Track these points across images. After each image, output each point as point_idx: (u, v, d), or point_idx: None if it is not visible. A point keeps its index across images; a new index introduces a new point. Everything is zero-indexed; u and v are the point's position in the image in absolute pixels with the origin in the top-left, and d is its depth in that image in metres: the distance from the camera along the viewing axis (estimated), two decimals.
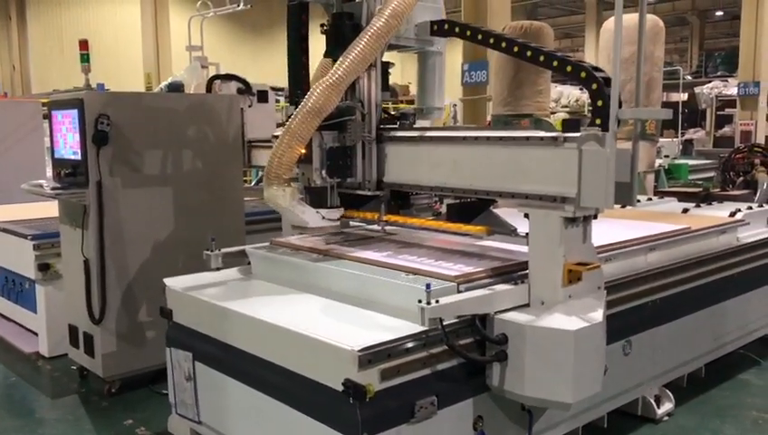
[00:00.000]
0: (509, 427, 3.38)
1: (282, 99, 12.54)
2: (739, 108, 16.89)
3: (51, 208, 5.57)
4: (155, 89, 11.81)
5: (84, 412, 4.62)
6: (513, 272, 3.42)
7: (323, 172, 3.80)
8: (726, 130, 18.70)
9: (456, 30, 3.96)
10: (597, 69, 3.24)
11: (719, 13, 30.12)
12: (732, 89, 16.92)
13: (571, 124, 3.14)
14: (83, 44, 5.43)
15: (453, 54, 5.91)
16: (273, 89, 7.12)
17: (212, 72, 7.61)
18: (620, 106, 3.14)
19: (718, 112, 20.17)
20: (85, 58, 5.49)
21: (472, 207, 3.80)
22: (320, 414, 2.91)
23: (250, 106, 6.49)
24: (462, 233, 3.73)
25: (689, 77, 20.36)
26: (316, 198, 3.86)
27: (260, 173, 9.88)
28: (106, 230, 4.57)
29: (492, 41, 3.73)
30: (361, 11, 3.92)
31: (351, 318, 3.20)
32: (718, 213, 5.30)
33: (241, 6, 9.96)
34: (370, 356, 2.73)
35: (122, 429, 4.36)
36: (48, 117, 4.94)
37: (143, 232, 4.78)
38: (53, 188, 4.68)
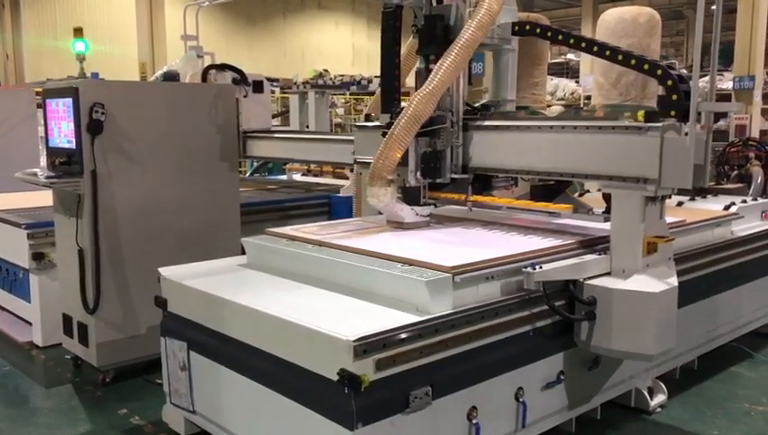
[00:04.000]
0: (503, 418, 3.40)
1: (277, 89, 12.47)
2: (734, 101, 16.88)
3: (45, 197, 5.55)
4: (149, 78, 11.73)
5: (78, 402, 4.62)
6: (594, 245, 3.88)
7: (418, 174, 4.25)
8: (721, 123, 18.72)
9: (538, 31, 4.32)
10: (671, 67, 3.68)
11: (714, 7, 30.07)
12: (727, 83, 16.90)
13: (651, 115, 3.53)
14: (78, 32, 5.40)
15: None
16: (269, 79, 7.10)
17: (207, 61, 7.57)
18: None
19: None
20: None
21: (552, 190, 4.44)
22: (314, 404, 2.92)
23: (245, 96, 6.50)
24: (548, 211, 4.17)
25: (685, 71, 20.40)
26: (410, 196, 4.31)
27: (255, 164, 9.87)
28: (100, 219, 4.56)
29: (572, 41, 4.18)
30: (451, 13, 4.32)
31: (346, 308, 3.21)
32: (713, 206, 5.31)
33: None
34: (366, 346, 2.74)
35: (116, 418, 4.35)
36: (42, 106, 4.91)
37: (138, 221, 4.77)
38: (48, 177, 4.66)
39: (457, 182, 4.51)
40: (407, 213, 4.25)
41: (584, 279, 3.65)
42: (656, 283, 3.60)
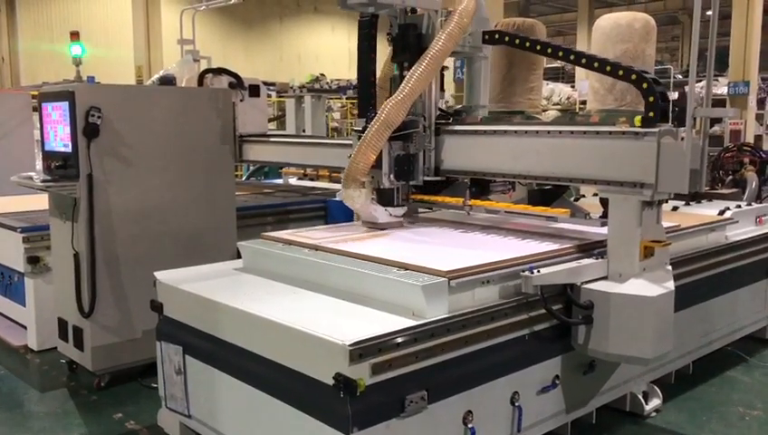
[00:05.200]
0: (499, 422, 3.41)
1: (273, 94, 12.48)
2: (729, 107, 16.93)
3: (41, 201, 5.55)
4: (146, 82, 11.73)
5: (73, 406, 4.60)
6: (591, 249, 3.90)
7: (391, 176, 4.38)
8: (716, 129, 18.80)
9: (506, 39, 4.50)
10: (645, 72, 3.74)
11: (710, 12, 30.21)
12: (722, 88, 16.97)
13: (648, 121, 3.57)
14: (74, 36, 5.39)
15: None
16: (265, 83, 7.10)
17: (203, 65, 7.57)
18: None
19: None
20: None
21: (550, 194, 4.53)
22: (310, 408, 2.92)
23: (242, 100, 6.49)
24: (545, 215, 4.27)
25: (680, 76, 20.45)
26: (385, 197, 4.45)
27: (251, 168, 9.87)
28: (96, 223, 4.56)
29: (538, 47, 4.31)
30: (423, 22, 4.49)
31: (342, 312, 3.21)
32: (707, 211, 5.32)
33: (233, 0, 9.90)
34: (361, 350, 2.74)
35: (112, 422, 4.35)
36: (38, 109, 4.90)
37: (134, 225, 4.76)
38: (44, 181, 4.66)
39: (456, 186, 4.67)
40: (380, 214, 4.38)
41: (581, 283, 3.67)
42: (652, 287, 3.62)
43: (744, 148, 9.43)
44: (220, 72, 6.57)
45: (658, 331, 3.60)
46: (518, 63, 5.25)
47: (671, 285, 3.71)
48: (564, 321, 3.63)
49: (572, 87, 20.53)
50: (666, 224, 4.59)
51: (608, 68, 3.86)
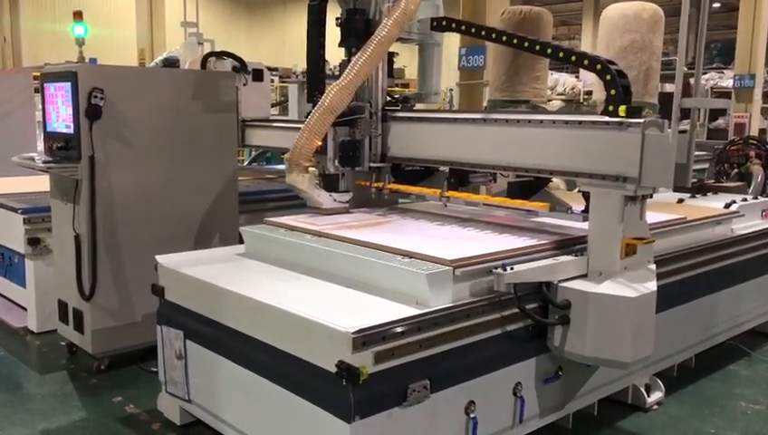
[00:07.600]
0: (501, 413, 3.39)
1: (276, 79, 12.41)
2: (734, 100, 16.86)
3: (42, 182, 5.51)
4: (148, 64, 11.66)
5: (73, 389, 4.59)
6: (571, 245, 3.71)
7: (336, 162, 4.41)
8: (720, 122, 18.70)
9: (453, 26, 4.49)
10: (611, 62, 3.61)
11: (716, 4, 30.06)
12: (727, 81, 16.89)
13: (633, 111, 3.38)
14: (78, 15, 5.33)
15: (450, 38, 5.92)
16: (268, 68, 7.05)
17: (206, 49, 7.51)
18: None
19: None
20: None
21: (530, 187, 4.31)
22: (312, 395, 2.90)
23: (245, 84, 6.44)
24: (524, 209, 4.07)
25: (685, 68, 20.38)
26: (329, 183, 4.44)
27: (253, 152, 9.83)
28: (98, 205, 4.52)
29: (487, 34, 4.21)
30: (371, 7, 4.49)
31: (345, 299, 3.18)
32: (713, 204, 5.29)
33: None
34: (365, 338, 2.72)
35: (111, 406, 4.33)
36: (40, 89, 4.86)
37: (135, 208, 4.73)
38: (45, 162, 4.61)
39: (435, 177, 4.65)
40: (325, 199, 4.38)
41: (559, 281, 3.48)
42: (633, 287, 3.43)
43: (750, 141, 9.36)
44: (224, 55, 6.52)
45: (638, 334, 3.41)
46: (524, 53, 5.19)
47: (653, 285, 3.51)
48: (539, 321, 3.43)
49: (577, 77, 20.41)
50: (671, 216, 4.56)
51: (560, 54, 3.85)
